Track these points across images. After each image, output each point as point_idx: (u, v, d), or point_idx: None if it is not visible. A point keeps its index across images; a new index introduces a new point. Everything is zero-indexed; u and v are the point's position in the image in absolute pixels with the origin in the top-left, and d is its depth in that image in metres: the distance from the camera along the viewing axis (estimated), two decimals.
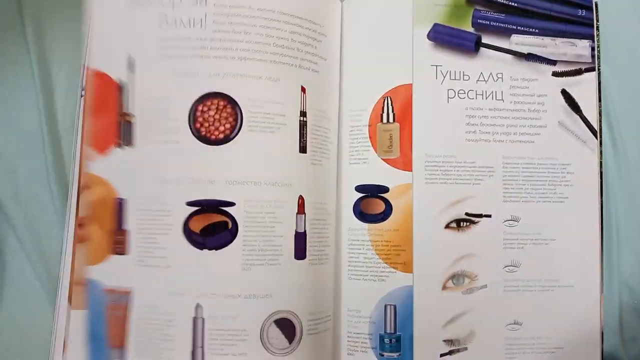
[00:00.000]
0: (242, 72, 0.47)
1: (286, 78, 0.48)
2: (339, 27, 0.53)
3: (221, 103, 0.47)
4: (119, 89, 0.48)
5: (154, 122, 0.47)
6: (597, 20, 0.52)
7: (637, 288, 0.50)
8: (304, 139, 0.49)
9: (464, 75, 0.51)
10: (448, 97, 0.51)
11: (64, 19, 0.55)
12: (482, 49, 0.51)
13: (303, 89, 0.49)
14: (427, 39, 0.51)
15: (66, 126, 0.53)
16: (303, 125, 0.49)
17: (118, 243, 0.47)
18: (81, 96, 0.51)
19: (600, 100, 0.51)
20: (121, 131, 0.48)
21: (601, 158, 0.50)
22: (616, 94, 0.52)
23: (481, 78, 0.51)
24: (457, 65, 0.51)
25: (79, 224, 0.49)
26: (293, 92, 0.48)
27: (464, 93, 0.51)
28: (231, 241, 0.46)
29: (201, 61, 0.47)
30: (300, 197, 0.48)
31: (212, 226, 0.46)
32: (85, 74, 0.49)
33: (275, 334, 0.46)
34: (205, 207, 0.46)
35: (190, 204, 0.46)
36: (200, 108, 0.47)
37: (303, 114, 0.49)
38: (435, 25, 0.51)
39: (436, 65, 0.51)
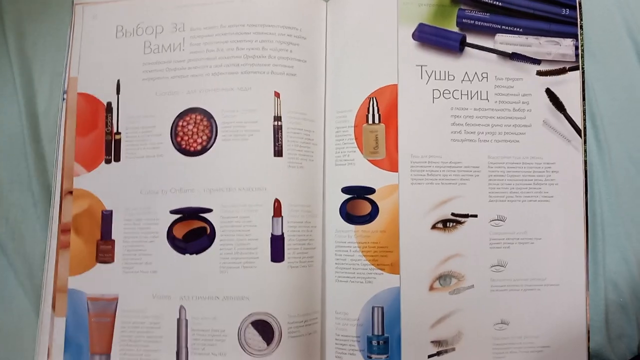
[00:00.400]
0: (216, 86, 0.50)
1: (258, 86, 0.50)
2: (323, 27, 0.52)
3: (198, 117, 0.50)
4: (107, 110, 0.52)
5: (140, 139, 0.51)
6: (581, 20, 0.52)
7: (622, 286, 0.50)
8: (279, 142, 0.49)
9: (449, 75, 0.51)
10: (433, 97, 0.50)
11: (44, 25, 0.54)
12: (467, 49, 0.51)
13: (277, 94, 0.50)
14: (412, 39, 0.51)
15: (48, 130, 0.53)
16: (278, 130, 0.49)
17: (104, 252, 0.50)
18: (63, 99, 0.52)
19: (584, 99, 0.51)
20: (109, 148, 0.51)
21: (586, 157, 0.51)
22: (600, 92, 0.52)
23: (466, 78, 0.51)
24: (442, 65, 0.51)
25: (63, 230, 0.50)
26: (265, 98, 0.50)
27: (449, 93, 0.51)
28: (209, 245, 0.49)
29: (180, 81, 0.51)
30: (276, 201, 0.48)
31: (193, 232, 0.49)
32: (75, 96, 0.52)
33: (252, 335, 0.47)
34: (186, 214, 0.49)
35: (173, 212, 0.49)
36: (180, 123, 0.50)
37: (277, 118, 0.50)
38: (420, 25, 0.51)
39: (421, 66, 0.51)
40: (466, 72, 0.51)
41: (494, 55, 0.51)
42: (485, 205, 0.50)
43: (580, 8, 0.52)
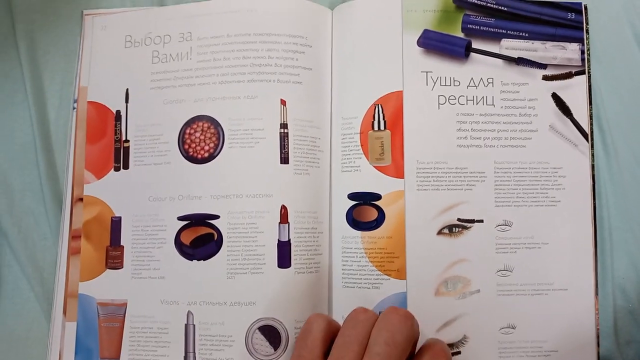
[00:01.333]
0: (222, 95, 0.51)
1: (264, 94, 0.50)
2: (329, 35, 0.53)
3: (205, 125, 0.51)
4: (116, 118, 0.52)
5: (148, 146, 0.51)
6: (587, 24, 0.52)
7: (631, 291, 0.49)
8: (286, 150, 0.50)
9: (454, 81, 0.51)
10: (439, 104, 0.51)
11: (55, 34, 0.55)
12: (473, 54, 0.51)
13: (283, 102, 0.50)
14: (417, 46, 0.51)
15: (59, 139, 0.54)
16: (284, 137, 0.50)
17: (114, 259, 0.50)
18: (73, 109, 0.53)
19: (590, 104, 0.51)
20: (118, 156, 0.52)
21: (593, 161, 0.50)
22: (607, 97, 0.52)
23: (472, 83, 0.51)
24: (447, 71, 0.51)
25: (73, 236, 0.51)
26: (272, 106, 0.50)
27: (455, 99, 0.51)
28: (217, 252, 0.49)
29: (188, 89, 0.51)
30: (283, 207, 0.49)
31: (200, 238, 0.50)
32: (85, 105, 0.53)
33: (260, 340, 0.48)
34: (194, 221, 0.50)
35: (180, 218, 0.50)
36: (188, 131, 0.51)
37: (284, 126, 0.50)
38: (425, 31, 0.51)
39: (426, 72, 0.51)
40: (472, 78, 0.51)
41: (499, 61, 0.51)
42: (491, 211, 0.50)
43: (586, 12, 0.52)
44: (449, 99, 0.51)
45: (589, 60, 0.52)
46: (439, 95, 0.51)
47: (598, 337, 0.49)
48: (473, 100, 0.51)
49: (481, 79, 0.51)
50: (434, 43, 0.51)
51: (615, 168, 0.51)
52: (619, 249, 0.50)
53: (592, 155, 0.51)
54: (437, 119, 0.51)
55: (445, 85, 0.51)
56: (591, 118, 0.51)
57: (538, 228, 0.50)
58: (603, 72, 0.52)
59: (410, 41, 0.51)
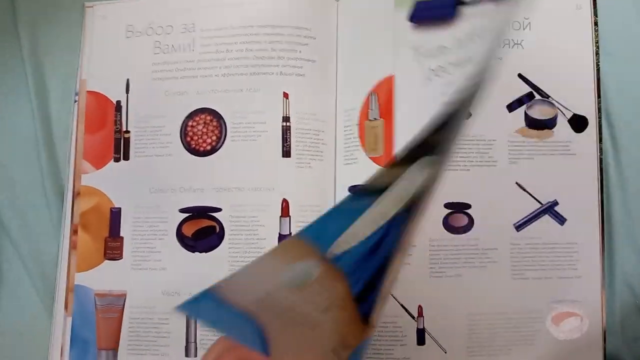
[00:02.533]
0: (225, 87, 0.51)
1: (267, 87, 0.50)
2: (334, 27, 0.52)
3: (208, 117, 0.51)
4: (116, 108, 0.52)
5: (150, 138, 0.51)
6: (595, 15, 0.51)
7: (638, 288, 0.48)
8: (288, 143, 0.49)
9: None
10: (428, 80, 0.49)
11: (57, 27, 0.55)
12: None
13: (285, 95, 0.50)
14: (409, 26, 0.49)
15: (61, 132, 0.53)
16: (286, 131, 0.49)
17: (113, 250, 0.50)
18: (74, 102, 0.53)
19: (599, 97, 0.50)
20: (118, 147, 0.52)
21: (601, 154, 0.49)
22: (616, 92, 0.50)
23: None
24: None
25: (75, 231, 0.51)
26: (274, 99, 0.50)
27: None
28: (218, 244, 0.49)
29: (190, 81, 0.51)
30: (284, 201, 0.48)
31: (202, 230, 0.49)
32: (85, 96, 0.53)
33: None
34: (196, 213, 0.50)
35: (182, 210, 0.50)
36: (190, 123, 0.51)
37: (286, 119, 0.50)
38: (417, 3, 0.49)
39: (416, 48, 0.49)
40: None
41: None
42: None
43: (594, 5, 0.51)
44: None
45: (597, 53, 0.50)
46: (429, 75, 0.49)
47: (604, 334, 0.48)
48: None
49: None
50: (425, 13, 0.49)
51: (624, 164, 0.50)
52: (626, 245, 0.49)
53: (601, 149, 0.49)
54: (427, 99, 0.48)
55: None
56: (599, 112, 0.49)
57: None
58: (613, 67, 0.50)
59: (402, 20, 0.50)
